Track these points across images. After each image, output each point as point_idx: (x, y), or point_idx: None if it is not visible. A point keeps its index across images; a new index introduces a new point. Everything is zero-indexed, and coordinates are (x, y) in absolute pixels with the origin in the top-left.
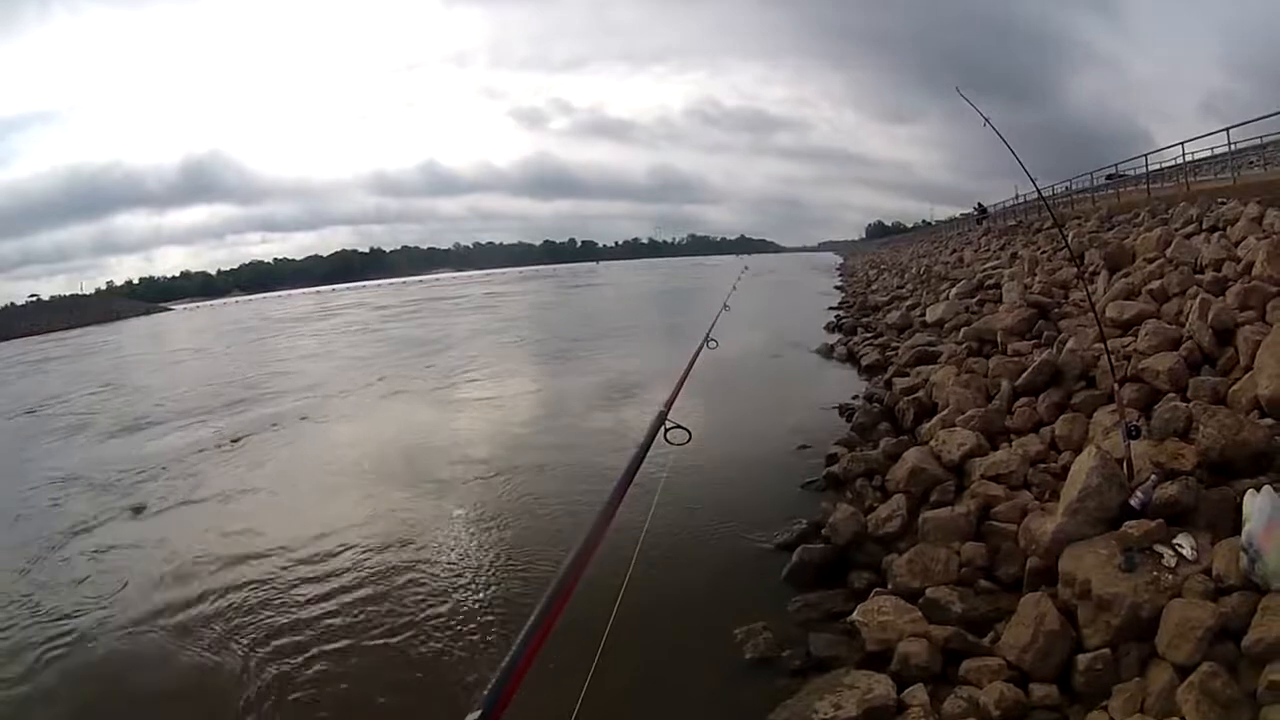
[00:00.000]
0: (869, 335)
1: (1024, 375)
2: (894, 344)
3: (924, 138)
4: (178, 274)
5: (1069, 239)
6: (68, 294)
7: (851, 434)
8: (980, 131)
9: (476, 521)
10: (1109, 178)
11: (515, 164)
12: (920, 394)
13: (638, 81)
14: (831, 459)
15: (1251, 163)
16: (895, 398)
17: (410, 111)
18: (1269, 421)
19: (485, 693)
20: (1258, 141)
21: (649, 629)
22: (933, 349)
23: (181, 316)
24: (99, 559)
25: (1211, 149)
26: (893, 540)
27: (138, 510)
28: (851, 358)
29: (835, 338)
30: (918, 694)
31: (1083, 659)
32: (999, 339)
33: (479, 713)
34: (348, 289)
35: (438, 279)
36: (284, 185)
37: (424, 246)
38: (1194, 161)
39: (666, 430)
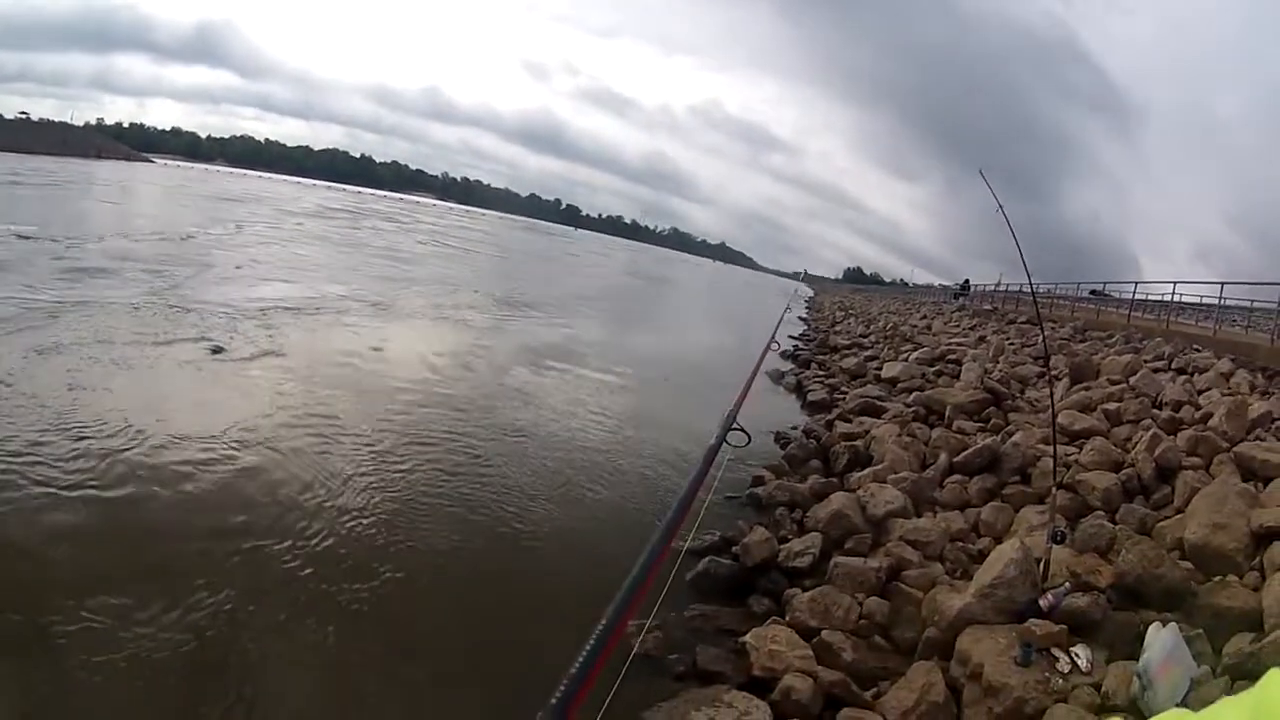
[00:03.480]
0: (821, 373)
1: (964, 454)
2: (843, 388)
3: (919, 202)
4: (168, 129)
5: (1039, 340)
6: (57, 120)
7: (782, 462)
8: (977, 211)
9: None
10: (1092, 292)
11: (516, 111)
12: (859, 443)
13: (655, 65)
14: (758, 480)
15: (1234, 321)
16: (833, 439)
17: (426, 31)
18: (1188, 564)
19: (552, 702)
20: (1247, 304)
21: (541, 598)
22: (881, 403)
23: (161, 173)
24: None
25: (1200, 297)
26: (800, 575)
27: None
28: (799, 389)
29: (788, 366)
30: None
31: None
32: (947, 413)
33: None
34: (330, 188)
35: (419, 202)
36: (288, 69)
37: (413, 167)
38: (1179, 303)
39: (730, 433)
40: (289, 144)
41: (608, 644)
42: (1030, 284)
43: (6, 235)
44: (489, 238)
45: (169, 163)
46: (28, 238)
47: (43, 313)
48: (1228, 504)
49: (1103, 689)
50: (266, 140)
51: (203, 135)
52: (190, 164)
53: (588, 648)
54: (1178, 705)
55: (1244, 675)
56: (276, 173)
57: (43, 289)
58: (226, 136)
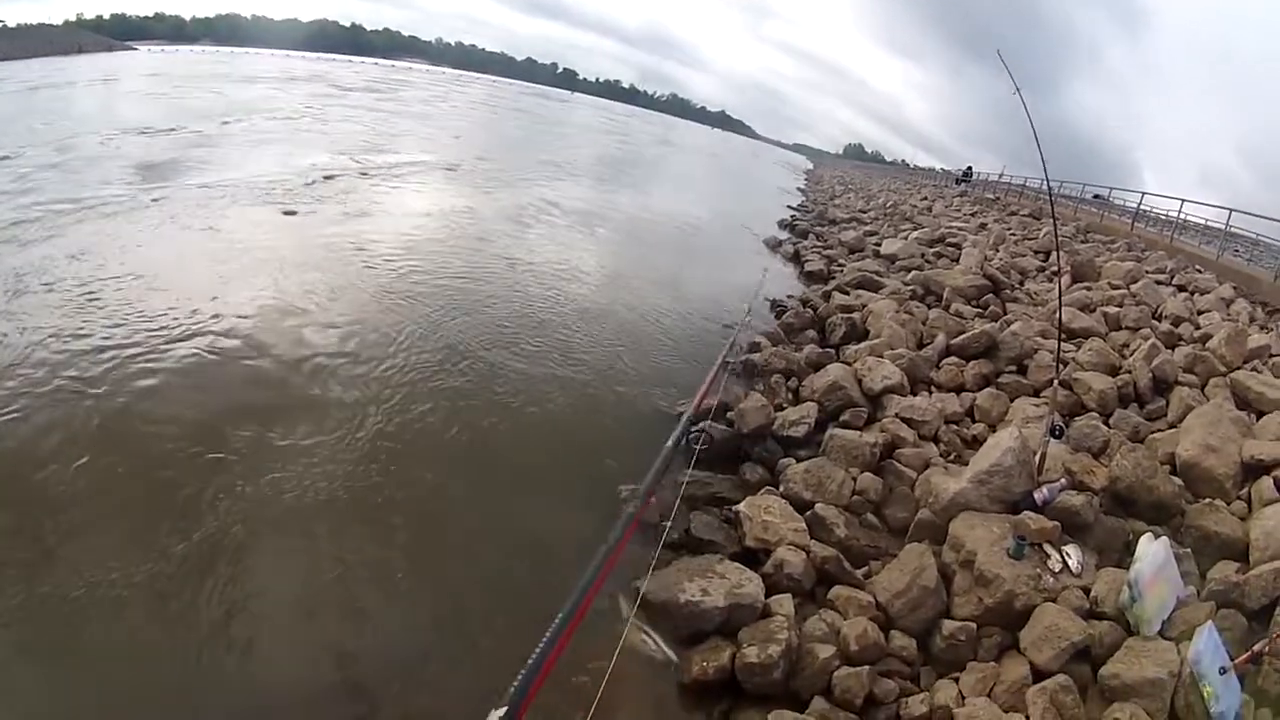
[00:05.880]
0: (819, 244)
1: (962, 337)
2: (841, 261)
3: (921, 84)
4: (151, 15)
5: (1041, 234)
6: (35, 23)
7: (778, 330)
8: (981, 98)
9: None
10: (1095, 197)
11: None
12: (855, 316)
13: None
14: (754, 347)
15: (1236, 251)
16: (830, 310)
17: None
18: (1179, 481)
19: (511, 689)
20: (1252, 235)
21: (533, 467)
22: (879, 279)
23: (144, 60)
24: None
25: (1205, 220)
26: (795, 445)
27: None
28: (796, 259)
29: (785, 235)
30: (784, 604)
31: (949, 625)
32: (945, 295)
33: (504, 710)
34: (321, 58)
35: (410, 68)
36: None
37: (405, 34)
38: (1184, 222)
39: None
40: (276, 18)
41: (561, 640)
42: (1045, 173)
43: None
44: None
45: (153, 49)
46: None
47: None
48: (1221, 427)
49: (1092, 593)
50: (253, 16)
51: (187, 17)
52: (175, 47)
53: (541, 645)
54: (1164, 620)
55: (1228, 604)
56: (267, 48)
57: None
58: (212, 16)
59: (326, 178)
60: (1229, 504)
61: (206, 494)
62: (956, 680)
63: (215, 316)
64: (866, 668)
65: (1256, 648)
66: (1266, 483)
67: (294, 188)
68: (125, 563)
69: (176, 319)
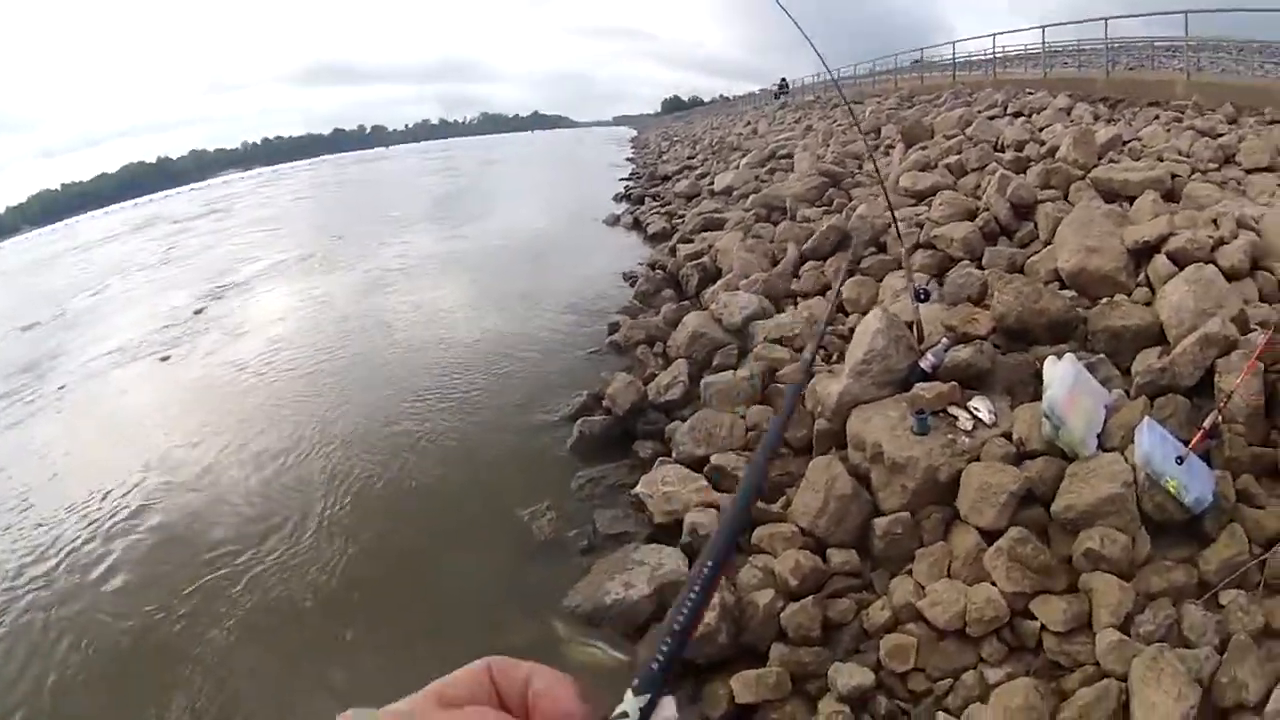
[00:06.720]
0: (656, 204)
1: (811, 239)
2: (681, 212)
3: (713, 13)
4: None
5: (866, 113)
6: None
7: (634, 301)
8: (770, 5)
9: None
10: (915, 63)
11: (290, 54)
12: (705, 259)
13: None
14: (614, 327)
15: (1065, 63)
16: (679, 264)
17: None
18: (1069, 293)
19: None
20: (1074, 45)
21: (435, 521)
22: (720, 216)
23: None
24: None
25: (1025, 46)
26: (675, 408)
27: None
28: (638, 226)
29: (623, 207)
30: None
31: (880, 523)
32: (788, 206)
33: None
34: (139, 203)
35: (225, 180)
36: (55, 107)
37: (212, 149)
38: (1004, 56)
39: None
40: (85, 179)
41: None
42: (825, 66)
43: None
44: (298, 198)
45: None
46: None
47: None
48: (1095, 225)
49: (1014, 437)
50: (63, 186)
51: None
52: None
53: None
54: (1098, 435)
55: (1161, 391)
56: (86, 212)
57: None
58: (23, 200)
59: (196, 312)
60: (1130, 294)
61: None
62: (910, 573)
63: (130, 492)
64: (811, 598)
65: (1207, 423)
66: (1160, 260)
67: (170, 332)
68: None
69: (102, 508)
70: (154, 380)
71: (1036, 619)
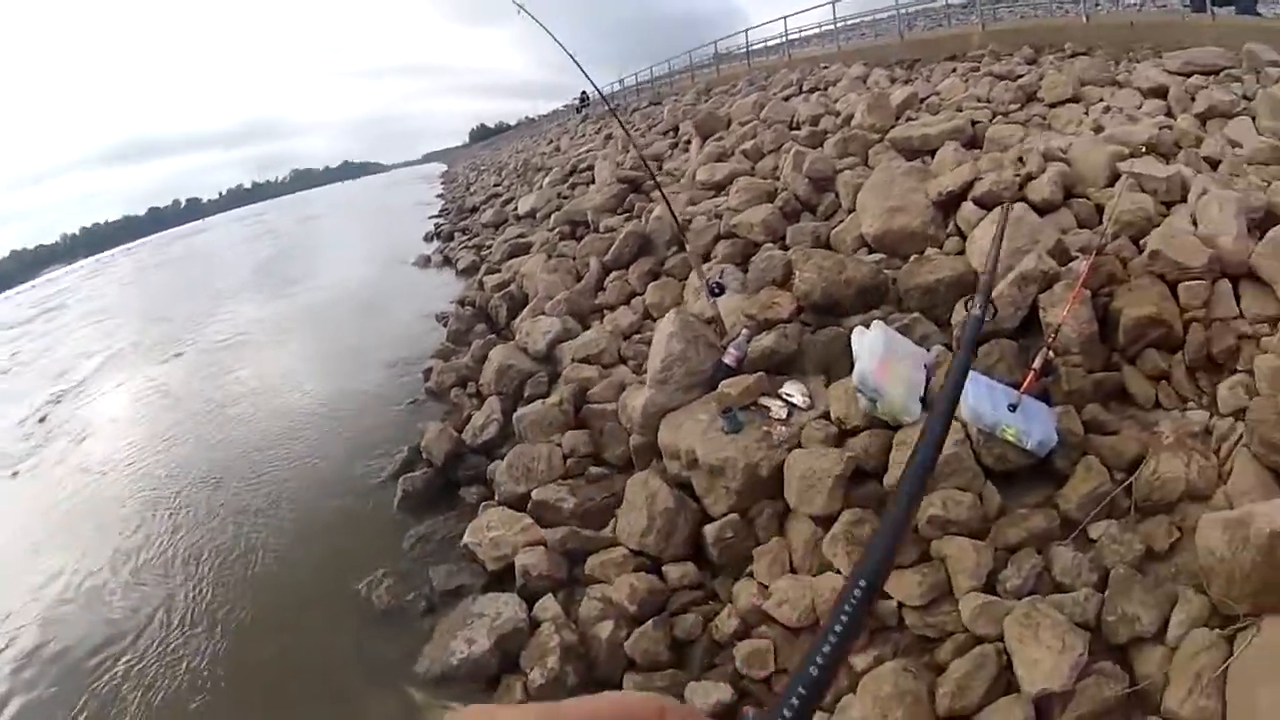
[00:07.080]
0: (465, 238)
1: (612, 250)
2: (489, 242)
3: (508, 39)
4: None
5: (664, 113)
6: None
7: (446, 343)
8: (577, 24)
9: None
10: (714, 56)
11: (98, 134)
12: (511, 288)
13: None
14: (428, 373)
15: (863, 34)
16: (488, 296)
17: None
18: (876, 257)
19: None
20: (870, 16)
21: (283, 599)
22: (525, 240)
23: None
24: None
25: (819, 24)
26: (494, 447)
27: None
28: (448, 263)
29: (433, 246)
30: (549, 606)
31: (710, 530)
32: (590, 218)
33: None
34: None
35: (50, 278)
36: None
37: (33, 245)
38: (799, 37)
39: None
40: None
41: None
42: (590, 81)
43: None
44: (124, 285)
45: None
46: None
47: None
48: (896, 184)
49: (833, 416)
50: None
51: None
52: None
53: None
54: (921, 397)
55: (982, 340)
56: None
57: None
58: None
59: (40, 420)
60: (940, 246)
61: None
62: (751, 575)
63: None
64: (652, 620)
65: (1036, 362)
66: (967, 207)
67: (19, 446)
68: None
69: None
70: (7, 498)
71: (892, 597)
